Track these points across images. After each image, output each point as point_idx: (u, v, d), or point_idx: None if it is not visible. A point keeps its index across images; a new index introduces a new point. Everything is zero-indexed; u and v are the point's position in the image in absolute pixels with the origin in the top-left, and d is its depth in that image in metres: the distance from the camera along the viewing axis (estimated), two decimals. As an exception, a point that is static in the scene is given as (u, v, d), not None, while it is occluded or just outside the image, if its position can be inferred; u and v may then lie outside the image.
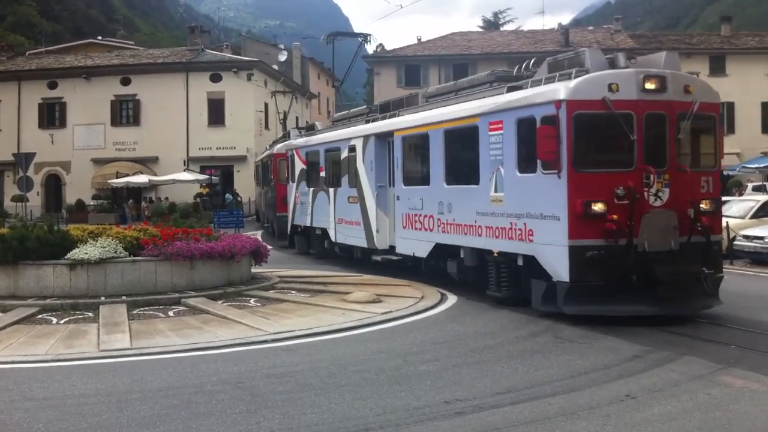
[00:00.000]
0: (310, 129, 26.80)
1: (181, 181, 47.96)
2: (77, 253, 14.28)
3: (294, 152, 25.57)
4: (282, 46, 72.13)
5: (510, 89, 13.66)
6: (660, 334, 10.95)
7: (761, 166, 40.42)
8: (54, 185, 54.53)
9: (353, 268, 20.32)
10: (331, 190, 21.76)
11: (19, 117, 54.21)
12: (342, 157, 20.85)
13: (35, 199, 49.21)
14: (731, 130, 49.05)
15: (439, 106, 16.28)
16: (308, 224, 24.07)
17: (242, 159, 52.11)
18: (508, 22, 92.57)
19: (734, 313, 12.45)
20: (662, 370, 9.03)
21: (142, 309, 13.55)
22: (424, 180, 16.44)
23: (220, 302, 14.18)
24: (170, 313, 13.24)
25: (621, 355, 9.89)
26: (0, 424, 7.24)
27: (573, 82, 11.86)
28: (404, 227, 17.30)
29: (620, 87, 11.66)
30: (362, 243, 19.65)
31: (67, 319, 12.74)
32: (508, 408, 7.55)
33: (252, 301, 14.59)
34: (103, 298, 13.97)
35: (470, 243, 14.61)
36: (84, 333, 11.58)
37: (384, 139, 18.51)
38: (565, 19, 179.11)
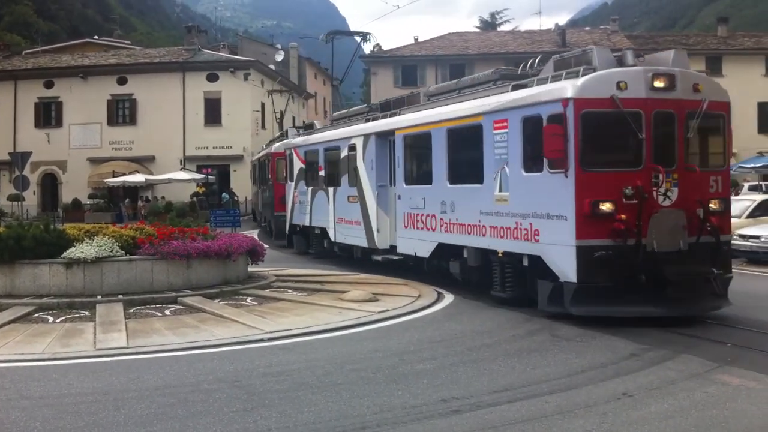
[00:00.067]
0: (309, 128, 26.60)
1: (178, 181, 47.90)
2: (73, 252, 14.26)
3: (292, 151, 25.38)
4: (279, 46, 72.11)
5: (515, 87, 13.51)
6: (657, 332, 10.95)
7: (757, 165, 40.53)
8: (50, 184, 54.42)
9: (353, 267, 20.19)
10: (331, 189, 21.57)
11: (16, 116, 54.09)
12: (342, 156, 20.68)
13: (31, 199, 49.14)
14: (728, 130, 49.02)
15: (441, 105, 16.09)
16: (307, 224, 23.91)
17: (239, 158, 52.04)
18: (505, 22, 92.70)
19: (731, 312, 12.42)
20: (659, 369, 9.04)
21: (138, 308, 13.54)
22: (427, 179, 16.24)
23: (216, 301, 14.17)
24: (167, 312, 13.23)
25: (618, 353, 9.90)
26: (-4, 423, 7.23)
27: (581, 80, 11.70)
28: (406, 227, 17.13)
29: (629, 85, 11.52)
30: (362, 243, 19.48)
31: (63, 318, 12.72)
32: (505, 406, 7.55)
33: (249, 299, 14.58)
34: (99, 297, 13.96)
35: (474, 243, 14.44)
36: (80, 332, 11.56)
37: (385, 137, 18.33)
38: (562, 19, 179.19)
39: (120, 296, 14.05)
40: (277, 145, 30.32)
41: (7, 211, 45.78)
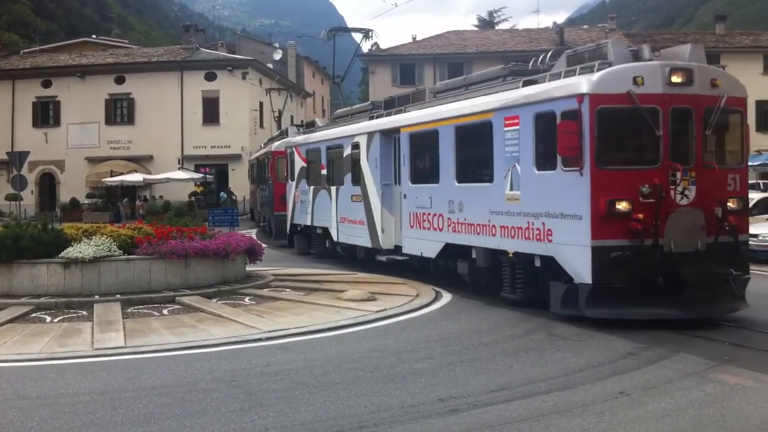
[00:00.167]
0: (310, 126, 26.23)
1: (176, 180, 47.88)
2: (71, 252, 14.26)
3: (294, 150, 25.03)
4: (277, 45, 72.16)
5: (526, 83, 13.19)
6: (654, 331, 10.93)
7: (756, 164, 40.49)
8: (48, 184, 54.41)
9: (355, 268, 19.94)
10: (333, 188, 21.28)
11: (13, 116, 54.08)
12: (345, 155, 20.34)
13: (29, 198, 49.04)
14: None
15: (448, 102, 15.71)
16: (309, 223, 23.55)
17: (237, 158, 52.00)
18: (503, 20, 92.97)
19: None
20: (656, 368, 9.05)
21: (136, 307, 13.53)
22: (433, 178, 15.87)
23: (214, 300, 14.17)
24: (164, 312, 13.22)
25: (615, 352, 9.91)
26: (-7, 423, 7.23)
27: (596, 75, 11.36)
28: (411, 226, 16.78)
29: (645, 80, 11.21)
30: (366, 243, 19.15)
31: (61, 317, 12.71)
32: (503, 405, 7.55)
33: (246, 299, 14.57)
34: (97, 297, 13.95)
35: (483, 243, 14.10)
36: (78, 331, 11.55)
37: (390, 135, 18.00)
38: (560, 18, 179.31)
39: (118, 296, 14.05)
40: (277, 143, 29.97)
41: (5, 210, 45.71)
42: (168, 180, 47.83)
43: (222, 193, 49.05)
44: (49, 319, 12.62)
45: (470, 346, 10.52)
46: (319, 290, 15.69)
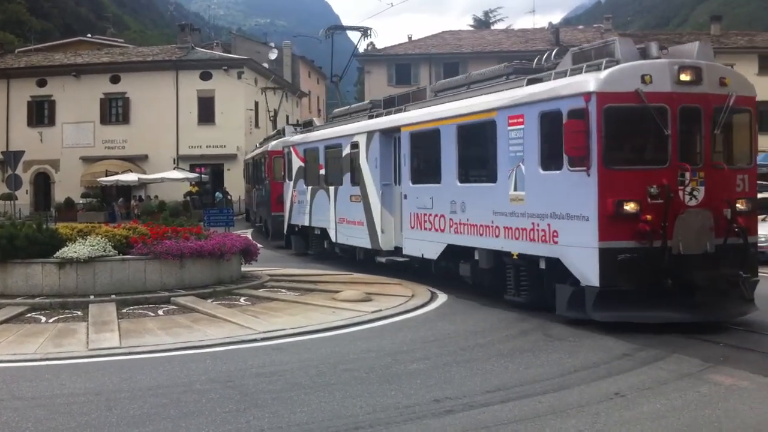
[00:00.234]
0: (308, 125, 25.91)
1: (171, 180, 47.81)
2: (66, 252, 14.23)
3: (291, 149, 24.75)
4: (272, 45, 72.08)
5: (530, 82, 12.94)
6: (649, 332, 10.92)
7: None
8: (43, 183, 54.31)
9: (354, 269, 19.70)
10: (332, 188, 21.00)
11: (8, 115, 53.95)
12: (344, 154, 20.04)
13: (24, 198, 48.98)
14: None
15: (450, 101, 15.43)
16: (306, 224, 23.28)
17: (232, 157, 51.94)
18: (499, 21, 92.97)
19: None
20: (651, 369, 9.06)
21: (131, 308, 13.51)
22: (435, 178, 15.57)
23: (209, 301, 14.15)
24: (160, 312, 13.21)
25: (610, 353, 9.92)
26: (-12, 424, 7.21)
27: (604, 73, 11.13)
28: (412, 227, 16.50)
29: (653, 78, 10.98)
30: (365, 244, 18.88)
31: (56, 317, 12.69)
32: (498, 406, 7.55)
33: (242, 299, 14.56)
34: (92, 297, 13.93)
35: (486, 244, 13.84)
36: (73, 332, 11.54)
37: (390, 135, 17.73)
38: (556, 18, 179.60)
39: (113, 296, 14.02)
40: (274, 143, 29.70)
41: (0, 210, 45.61)
42: (163, 180, 47.76)
43: (217, 193, 48.99)
44: (44, 319, 12.60)
45: (466, 346, 10.53)
46: (315, 291, 15.68)
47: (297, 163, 24.23)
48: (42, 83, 54.25)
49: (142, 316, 12.86)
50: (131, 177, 48.33)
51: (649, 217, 10.90)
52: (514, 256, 13.08)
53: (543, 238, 12.23)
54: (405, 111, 17.34)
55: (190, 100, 52.45)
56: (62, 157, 53.34)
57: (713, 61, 11.88)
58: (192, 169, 51.49)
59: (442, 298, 14.82)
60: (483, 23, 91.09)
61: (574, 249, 11.52)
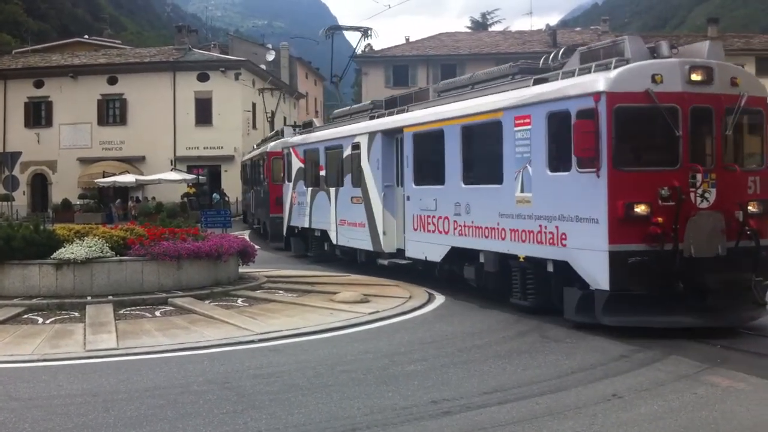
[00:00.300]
0: (307, 126, 25.64)
1: (168, 181, 47.77)
2: (63, 253, 14.22)
3: (290, 150, 24.50)
4: (270, 46, 71.99)
5: (537, 82, 12.76)
6: (646, 334, 10.90)
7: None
8: (40, 185, 54.24)
9: (355, 271, 19.50)
10: (332, 189, 20.78)
11: (5, 116, 53.92)
12: (344, 155, 19.82)
13: (21, 199, 48.92)
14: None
15: (454, 101, 15.22)
16: (306, 225, 23.03)
17: (230, 159, 51.93)
18: (496, 22, 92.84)
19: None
20: (648, 370, 9.07)
21: (128, 309, 13.50)
22: (439, 179, 15.32)
23: (207, 302, 14.15)
24: (157, 313, 13.21)
25: (607, 354, 9.92)
26: (-15, 425, 7.20)
27: (614, 73, 10.94)
28: (415, 229, 16.27)
29: (664, 78, 10.78)
30: (367, 246, 18.62)
31: (53, 319, 12.68)
32: (495, 408, 7.56)
33: (239, 301, 14.55)
34: (89, 298, 13.92)
35: (492, 247, 13.61)
36: (70, 333, 11.53)
37: (392, 135, 17.52)
38: (553, 20, 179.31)
39: (110, 297, 14.01)
40: (273, 143, 29.39)
41: (-3, 211, 45.57)
42: (160, 181, 47.73)
43: (215, 194, 48.97)
44: (41, 320, 12.59)
45: (463, 348, 10.53)
46: (312, 292, 15.68)
47: (297, 164, 24.00)
48: (39, 84, 54.20)
49: (139, 318, 12.85)
50: (128, 178, 48.30)
51: (660, 219, 10.69)
52: (521, 259, 12.88)
53: (551, 240, 12.03)
54: (407, 111, 17.15)
55: (187, 102, 52.44)
56: (59, 158, 53.29)
57: (724, 60, 11.68)
58: (189, 170, 51.41)
59: (439, 299, 14.82)
60: (480, 25, 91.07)
61: (584, 252, 11.32)
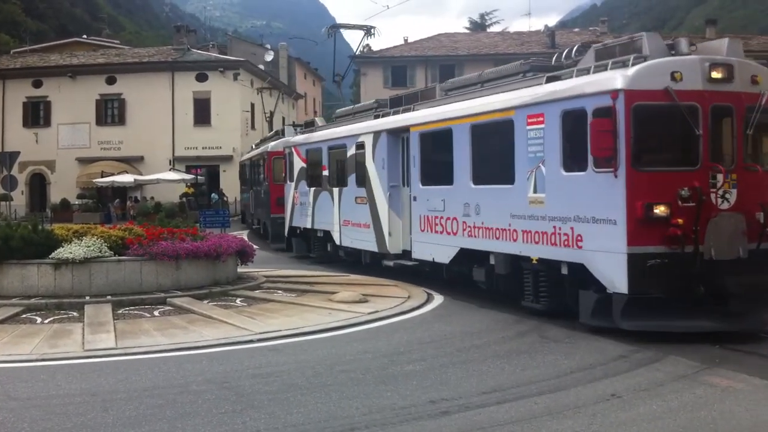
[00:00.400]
0: (309, 125, 25.21)
1: (167, 181, 47.76)
2: (62, 253, 14.21)
3: (293, 150, 24.17)
4: (268, 46, 72.02)
5: (549, 79, 12.41)
6: (645, 334, 10.89)
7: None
8: (38, 184, 54.22)
9: (359, 272, 19.23)
10: (336, 189, 20.48)
11: (4, 116, 53.90)
12: (349, 155, 19.52)
13: (19, 199, 48.81)
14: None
15: (462, 99, 14.91)
16: (309, 226, 22.63)
17: (228, 159, 51.95)
18: (495, 23, 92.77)
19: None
20: (647, 370, 9.08)
21: (127, 309, 13.50)
22: (447, 179, 14.97)
23: (205, 302, 14.14)
24: (156, 313, 13.20)
25: (606, 354, 9.93)
26: (-17, 424, 7.20)
27: (632, 70, 10.62)
28: (422, 230, 15.96)
29: (684, 76, 10.49)
30: (372, 247, 18.26)
31: (51, 318, 12.67)
32: (494, 407, 7.56)
33: (238, 300, 14.55)
34: (88, 298, 13.91)
35: (503, 248, 13.28)
36: (69, 333, 11.52)
37: (397, 135, 17.24)
38: (552, 21, 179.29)
39: (108, 297, 14.01)
40: (274, 143, 29.06)
41: (-5, 211, 45.55)
42: (159, 181, 47.72)
43: (213, 195, 48.97)
44: (39, 320, 12.58)
45: (462, 348, 10.53)
46: (311, 292, 15.67)
47: (299, 164, 23.68)
48: (37, 84, 54.20)
49: (138, 317, 12.84)
50: (127, 178, 48.28)
51: (680, 220, 10.42)
52: (534, 261, 12.58)
53: (565, 242, 11.71)
54: (413, 110, 16.87)
55: (186, 102, 52.46)
56: (58, 158, 53.28)
57: (743, 58, 11.40)
58: (188, 170, 51.44)
59: (438, 299, 14.81)
60: (479, 26, 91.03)
61: (601, 254, 11.01)
